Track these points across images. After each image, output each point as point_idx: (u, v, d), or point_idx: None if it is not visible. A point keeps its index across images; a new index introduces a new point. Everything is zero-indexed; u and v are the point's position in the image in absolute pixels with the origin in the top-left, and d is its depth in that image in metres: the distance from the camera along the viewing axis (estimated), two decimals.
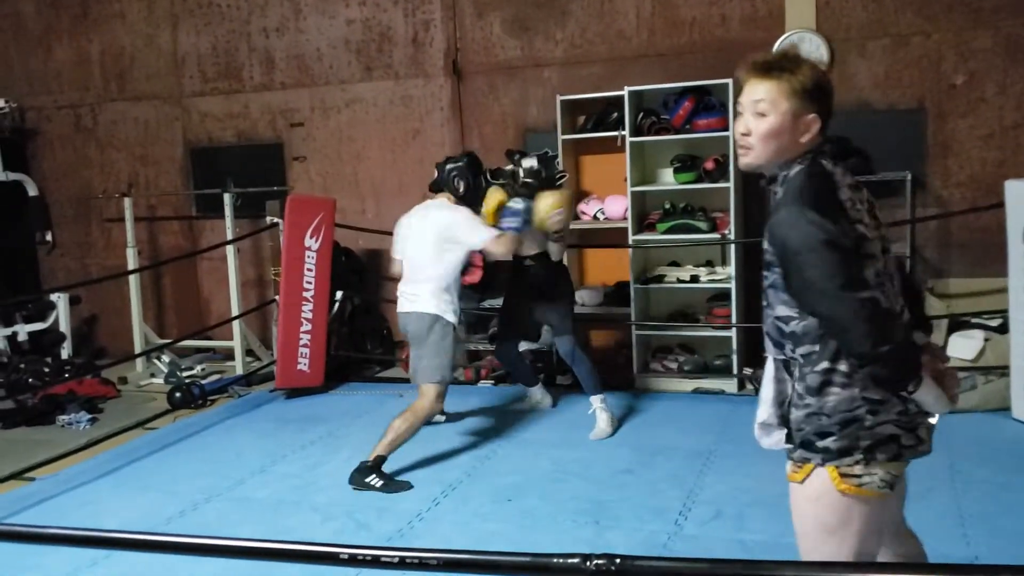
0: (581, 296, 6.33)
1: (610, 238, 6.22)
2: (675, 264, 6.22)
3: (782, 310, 2.14)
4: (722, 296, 5.97)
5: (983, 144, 5.68)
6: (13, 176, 7.67)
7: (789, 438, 2.19)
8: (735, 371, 5.91)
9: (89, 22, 7.78)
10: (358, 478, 4.43)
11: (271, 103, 7.34)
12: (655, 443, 4.93)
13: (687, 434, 5.05)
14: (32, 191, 7.81)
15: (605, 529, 3.89)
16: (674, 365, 6.10)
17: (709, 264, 6.12)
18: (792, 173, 2.15)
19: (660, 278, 6.10)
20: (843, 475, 2.12)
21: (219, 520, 4.18)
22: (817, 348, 2.10)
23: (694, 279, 6.01)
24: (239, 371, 6.81)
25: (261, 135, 7.40)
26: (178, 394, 6.13)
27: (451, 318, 4.60)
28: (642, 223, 6.14)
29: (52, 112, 7.99)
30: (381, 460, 4.45)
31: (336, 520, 4.12)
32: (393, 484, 4.42)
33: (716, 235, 5.91)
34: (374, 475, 4.42)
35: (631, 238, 6.03)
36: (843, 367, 2.08)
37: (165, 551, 1.73)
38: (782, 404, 2.19)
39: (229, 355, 7.10)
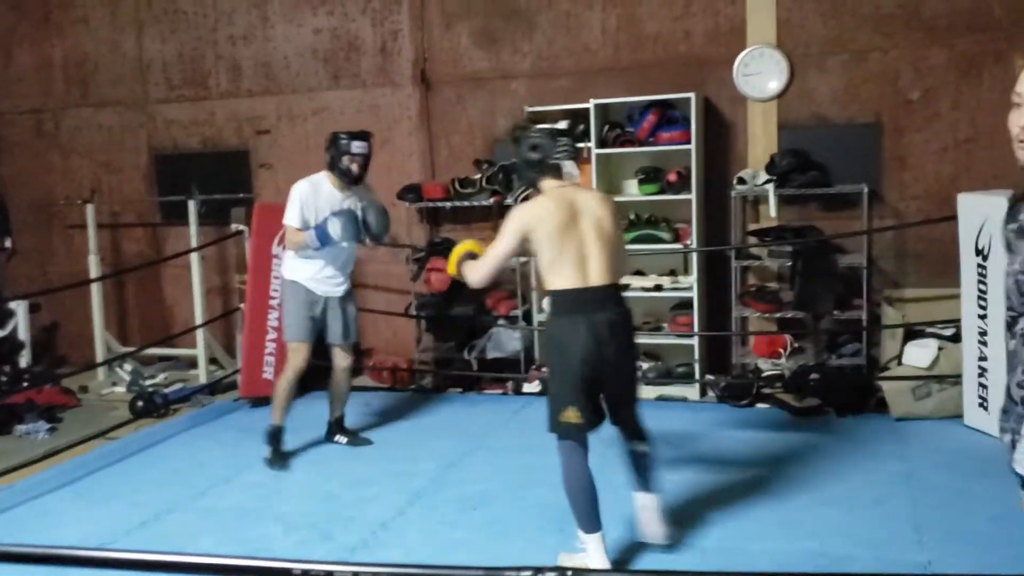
0: (548, 304, 6.36)
1: None
2: (640, 273, 6.30)
3: None
4: (685, 304, 6.05)
5: (937, 158, 5.81)
6: None
7: None
8: (697, 378, 5.99)
9: (52, 27, 7.71)
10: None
11: (237, 110, 7.32)
12: (618, 450, 4.97)
13: (651, 441, 5.10)
14: None
15: (570, 537, 3.91)
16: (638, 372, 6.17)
17: (672, 273, 6.20)
18: None
19: (625, 286, 6.15)
20: None
21: (181, 531, 4.17)
22: None
23: (658, 288, 6.08)
24: (203, 380, 6.77)
25: (227, 142, 7.38)
26: (140, 403, 6.08)
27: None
28: None
29: (13, 117, 7.90)
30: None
31: (300, 531, 4.12)
32: None
33: (679, 245, 6.00)
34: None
35: None
36: None
37: (107, 567, 1.72)
38: None
39: (193, 364, 7.05)
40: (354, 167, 4.85)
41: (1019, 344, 2.00)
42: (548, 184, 3.63)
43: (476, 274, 3.72)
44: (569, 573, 1.34)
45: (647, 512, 3.72)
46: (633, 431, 3.77)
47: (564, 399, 3.48)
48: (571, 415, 3.46)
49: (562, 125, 3.81)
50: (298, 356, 4.98)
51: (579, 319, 3.49)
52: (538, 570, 1.36)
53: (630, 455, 3.77)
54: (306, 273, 4.95)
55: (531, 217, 3.53)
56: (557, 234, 3.47)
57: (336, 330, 5.07)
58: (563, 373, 3.50)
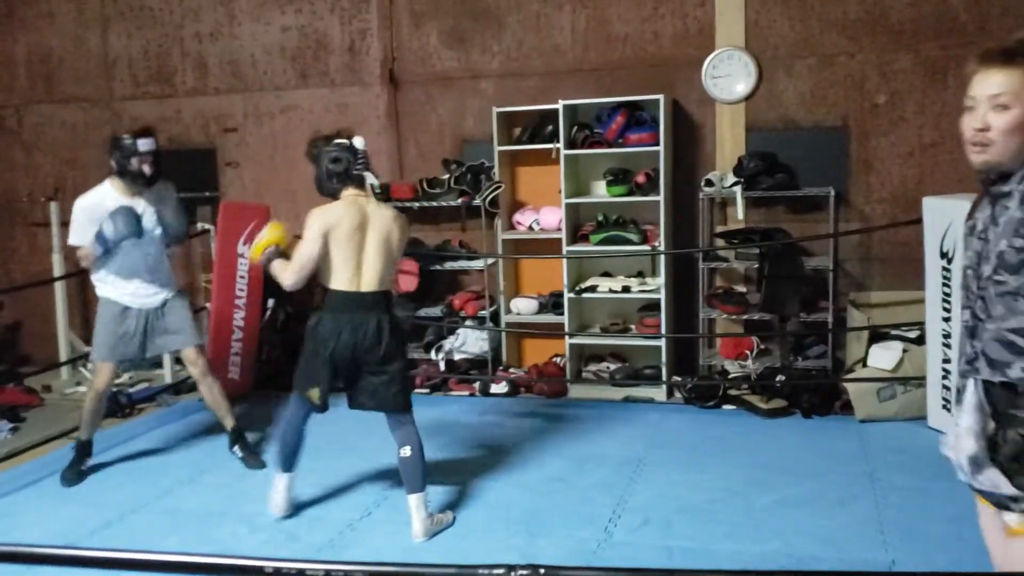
0: (517, 305, 6.38)
1: (545, 248, 6.29)
2: (608, 274, 6.31)
3: (1018, 321, 1.88)
4: (652, 306, 6.08)
5: (903, 162, 5.88)
6: None
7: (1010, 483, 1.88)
8: (664, 379, 6.02)
9: (15, 22, 7.58)
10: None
11: (204, 108, 7.25)
12: (586, 451, 4.99)
13: (617, 442, 5.12)
14: None
15: (536, 537, 3.93)
16: (606, 373, 6.19)
17: (640, 275, 6.22)
18: None
19: (593, 288, 6.18)
20: None
21: (146, 531, 4.12)
22: None
23: (626, 289, 6.10)
24: (167, 379, 6.69)
25: (193, 140, 7.29)
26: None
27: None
28: (576, 234, 6.23)
29: None
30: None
31: (265, 531, 4.08)
32: None
33: (647, 247, 6.02)
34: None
35: (565, 248, 6.11)
36: None
37: (77, 566, 1.68)
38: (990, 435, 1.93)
39: (157, 363, 6.95)
40: (145, 167, 4.61)
41: (962, 335, 2.04)
42: (346, 193, 4.00)
43: (287, 278, 3.96)
44: (542, 571, 1.34)
45: (411, 511, 3.97)
46: (396, 435, 4.03)
47: (311, 381, 3.98)
48: (314, 395, 3.98)
49: (359, 141, 4.05)
50: (100, 376, 4.81)
51: (344, 319, 3.90)
52: (510, 567, 1.35)
53: (398, 458, 4.02)
54: (117, 289, 4.77)
55: (330, 219, 3.90)
56: (344, 238, 3.88)
57: (167, 339, 4.86)
58: (316, 361, 3.93)
